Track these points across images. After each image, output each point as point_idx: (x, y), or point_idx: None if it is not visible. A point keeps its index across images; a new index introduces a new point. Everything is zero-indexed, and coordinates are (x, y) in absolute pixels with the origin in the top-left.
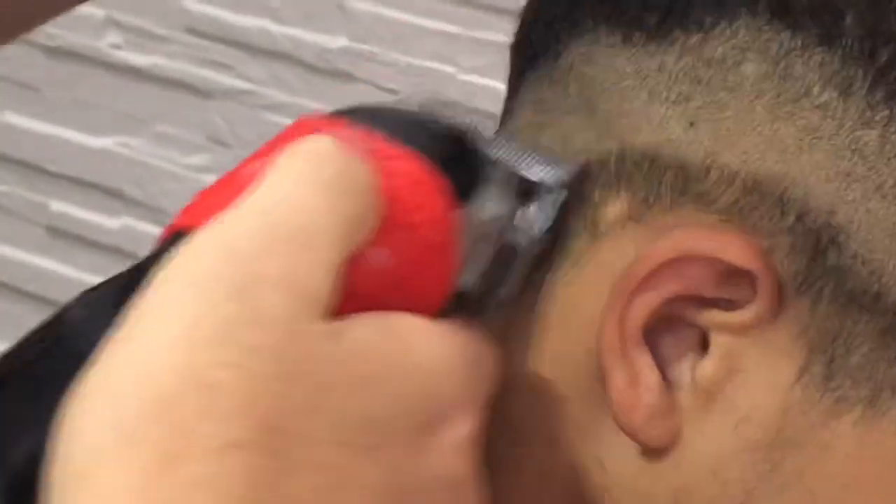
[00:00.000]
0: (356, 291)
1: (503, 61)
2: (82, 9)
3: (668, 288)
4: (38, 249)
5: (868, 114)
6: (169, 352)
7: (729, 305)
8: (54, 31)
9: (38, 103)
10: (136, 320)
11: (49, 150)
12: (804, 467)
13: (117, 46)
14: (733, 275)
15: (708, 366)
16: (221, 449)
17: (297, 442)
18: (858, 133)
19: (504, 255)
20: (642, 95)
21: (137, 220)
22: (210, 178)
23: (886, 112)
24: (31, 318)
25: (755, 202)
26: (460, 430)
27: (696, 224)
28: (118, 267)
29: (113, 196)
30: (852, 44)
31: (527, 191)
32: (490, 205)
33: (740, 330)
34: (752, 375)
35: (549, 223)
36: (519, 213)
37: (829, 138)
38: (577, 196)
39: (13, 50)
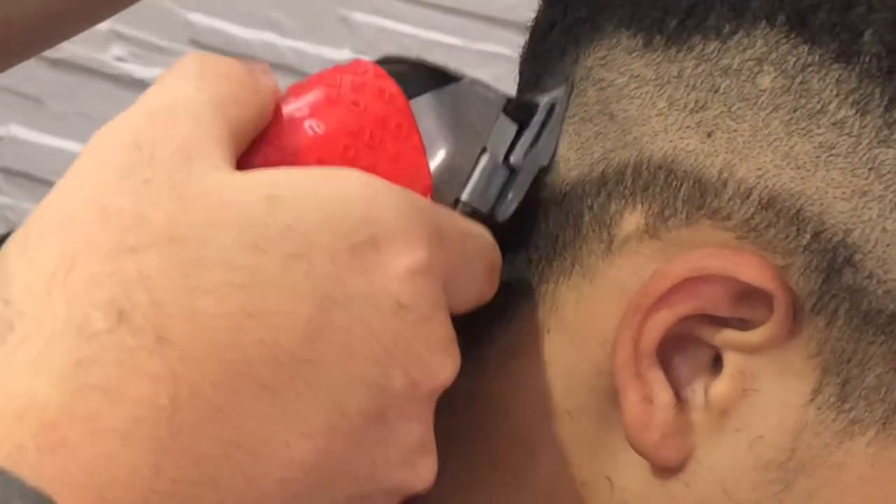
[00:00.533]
0: (293, 164)
1: (505, 72)
2: None
3: (684, 307)
4: None
5: (885, 132)
6: (72, 191)
7: (743, 325)
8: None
9: (43, 115)
10: (55, 185)
11: (53, 162)
12: (816, 489)
13: (121, 59)
14: (749, 294)
15: (721, 385)
16: (120, 252)
17: (199, 245)
18: (875, 151)
19: (504, 177)
20: (660, 103)
21: None
22: None
23: None
24: None
25: (771, 219)
26: (407, 259)
27: (712, 242)
28: None
29: None
30: (870, 61)
31: (525, 115)
32: (482, 126)
33: (755, 350)
34: (765, 395)
35: (545, 143)
36: (519, 134)
37: (845, 156)
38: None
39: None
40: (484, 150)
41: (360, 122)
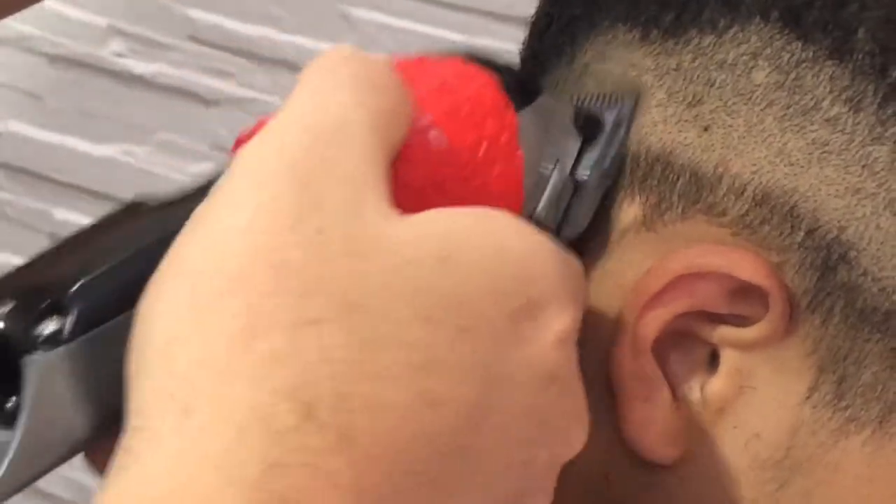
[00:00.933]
0: (423, 183)
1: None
2: (85, 17)
3: (680, 303)
4: None
5: (878, 129)
6: (238, 236)
7: (740, 322)
8: (57, 39)
9: (41, 112)
10: (203, 215)
11: (52, 158)
12: (813, 488)
13: (121, 55)
14: (745, 291)
15: (718, 383)
16: (299, 324)
17: (380, 318)
18: (869, 149)
19: (570, 192)
20: (660, 94)
21: None
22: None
23: None
24: None
25: (765, 215)
26: (559, 324)
27: (707, 238)
28: None
29: (116, 204)
30: (863, 59)
31: (590, 128)
32: (556, 139)
33: (751, 346)
34: (761, 393)
35: (613, 159)
36: (585, 149)
37: (838, 153)
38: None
39: (16, 58)
40: (556, 163)
41: (478, 135)
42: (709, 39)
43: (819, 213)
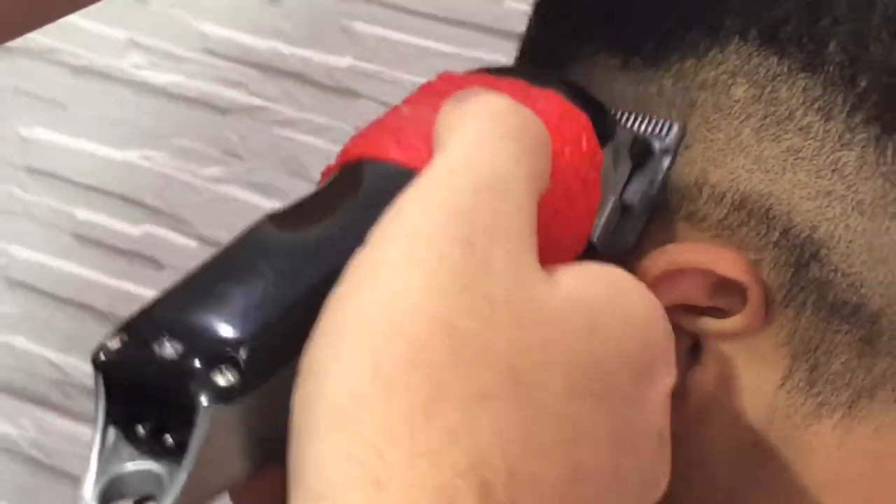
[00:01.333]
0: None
1: None
2: (106, 31)
3: (665, 297)
4: (65, 255)
5: (847, 136)
6: (416, 300)
7: (720, 314)
8: (79, 51)
9: (65, 119)
10: (367, 270)
11: (75, 162)
12: (788, 466)
13: (139, 66)
14: (724, 286)
15: (701, 370)
16: (473, 399)
17: (539, 393)
18: (838, 154)
19: (619, 214)
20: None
21: (157, 227)
22: (225, 189)
23: (864, 135)
24: (57, 318)
25: (742, 219)
26: (667, 383)
27: (689, 239)
28: (140, 270)
29: (135, 205)
30: (834, 70)
31: (641, 154)
32: (610, 161)
33: (731, 336)
34: (740, 380)
35: (659, 186)
36: (634, 174)
37: (810, 159)
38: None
39: (41, 69)
40: (612, 189)
41: (574, 177)
42: (689, 62)
43: (792, 214)
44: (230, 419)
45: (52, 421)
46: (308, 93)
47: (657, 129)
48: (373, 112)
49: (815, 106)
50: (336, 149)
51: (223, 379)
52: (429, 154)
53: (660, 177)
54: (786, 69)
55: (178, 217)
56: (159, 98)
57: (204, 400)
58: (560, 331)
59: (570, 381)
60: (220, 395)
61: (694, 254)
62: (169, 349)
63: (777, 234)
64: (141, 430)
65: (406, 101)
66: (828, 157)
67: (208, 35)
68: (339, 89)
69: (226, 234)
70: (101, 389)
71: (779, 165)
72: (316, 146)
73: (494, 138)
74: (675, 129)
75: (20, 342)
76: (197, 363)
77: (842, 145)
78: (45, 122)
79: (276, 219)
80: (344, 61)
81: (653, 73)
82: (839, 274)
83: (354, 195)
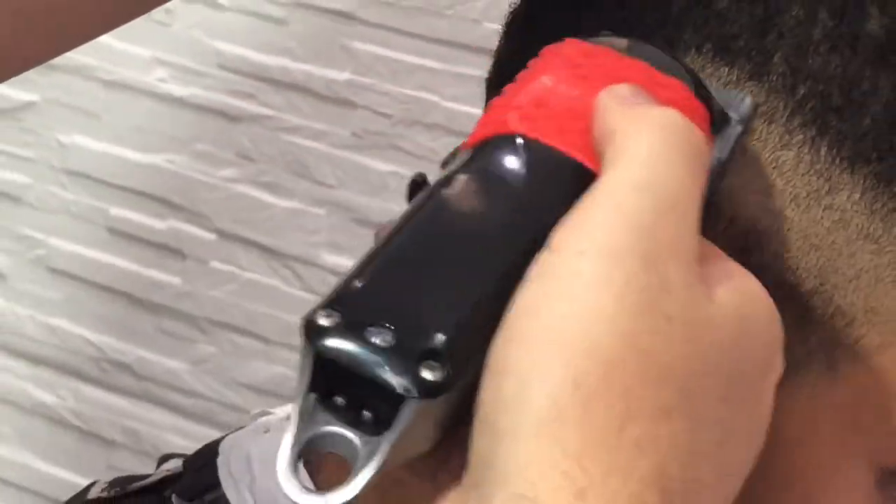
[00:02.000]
0: None
1: (478, 92)
2: (134, 49)
3: None
4: (99, 246)
5: (787, 137)
6: (609, 318)
7: None
8: (111, 67)
9: (99, 127)
10: (553, 281)
11: (108, 165)
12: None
13: (163, 80)
14: None
15: None
16: (657, 414)
17: (700, 402)
18: (778, 153)
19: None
20: None
21: (180, 222)
22: (238, 187)
23: (801, 136)
24: (93, 302)
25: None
26: (779, 373)
27: None
28: (165, 260)
29: (160, 202)
30: (777, 79)
31: (720, 122)
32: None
33: None
34: None
35: (729, 153)
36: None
37: (756, 158)
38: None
39: (78, 83)
40: None
41: None
42: None
43: (738, 207)
44: (430, 410)
45: (89, 392)
46: (310, 103)
47: (733, 101)
48: (368, 120)
49: (760, 111)
50: (335, 152)
51: (430, 374)
52: (586, 145)
53: (732, 144)
54: (735, 78)
55: (198, 212)
56: (181, 108)
57: (411, 393)
58: (717, 342)
59: (721, 388)
60: (427, 391)
61: None
62: (380, 338)
63: (724, 224)
64: (340, 400)
65: (542, 69)
66: (770, 156)
67: (223, 52)
68: (337, 100)
69: (240, 227)
70: (309, 360)
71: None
72: (317, 149)
73: (674, 157)
74: (748, 101)
75: (61, 323)
76: (407, 356)
77: (782, 146)
78: (81, 130)
79: (448, 197)
80: (342, 75)
81: None
82: (779, 259)
83: (519, 176)
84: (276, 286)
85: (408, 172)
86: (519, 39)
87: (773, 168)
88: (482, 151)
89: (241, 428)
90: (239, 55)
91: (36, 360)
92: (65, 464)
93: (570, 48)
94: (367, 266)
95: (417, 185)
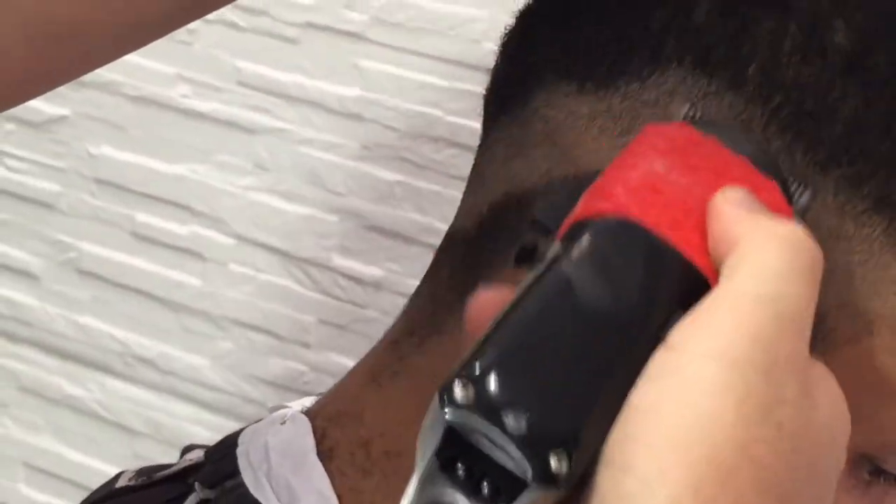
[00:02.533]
0: None
1: (479, 107)
2: (158, 66)
3: None
4: (126, 250)
5: (765, 143)
6: (728, 427)
7: None
8: (137, 83)
9: (126, 139)
10: (686, 386)
11: (135, 174)
12: None
13: (186, 96)
14: None
15: None
16: None
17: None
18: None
19: None
20: (593, 131)
21: (202, 227)
22: (256, 196)
23: (779, 142)
24: (119, 302)
25: None
26: (843, 467)
27: None
28: (187, 263)
29: (183, 209)
30: (753, 89)
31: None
32: None
33: None
34: None
35: None
36: None
37: None
38: None
39: (106, 98)
40: None
41: None
42: (634, 85)
43: None
44: (550, 497)
45: (114, 385)
46: (323, 117)
47: (795, 192)
48: (376, 133)
49: (739, 119)
50: (346, 162)
51: (556, 465)
52: (698, 242)
53: None
54: (714, 88)
55: (217, 218)
56: (202, 121)
57: (536, 481)
58: (816, 449)
59: (815, 489)
60: (552, 481)
61: None
62: (513, 422)
63: None
64: (461, 468)
65: (652, 152)
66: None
67: (242, 70)
68: (348, 114)
69: (257, 232)
70: (440, 428)
71: None
72: (329, 160)
73: (796, 274)
74: (807, 195)
75: (89, 321)
76: (537, 445)
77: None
78: (109, 142)
79: (570, 279)
80: (353, 91)
81: (603, 95)
82: None
83: (635, 265)
84: (290, 287)
85: (413, 182)
86: (513, 58)
87: None
88: (601, 231)
89: (259, 420)
90: (256, 72)
91: (66, 355)
92: (93, 452)
93: (675, 132)
94: (500, 342)
95: (527, 251)
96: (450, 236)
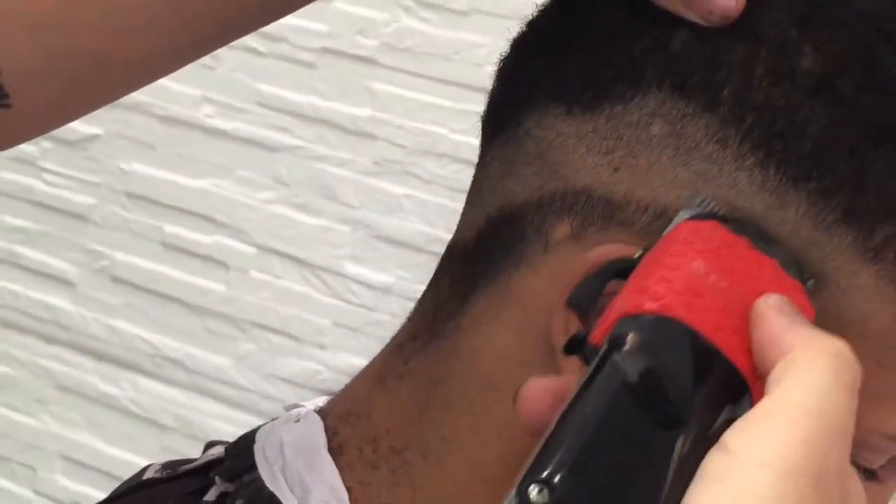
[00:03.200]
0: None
1: (479, 127)
2: (185, 89)
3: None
4: (155, 259)
5: (740, 161)
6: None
7: None
8: (165, 104)
9: (155, 156)
10: (742, 493)
11: (163, 189)
12: None
13: (210, 116)
14: None
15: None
16: None
17: None
18: (734, 174)
19: None
20: (580, 149)
21: (225, 237)
22: (275, 208)
23: (753, 159)
24: (149, 307)
25: (662, 225)
26: None
27: (620, 240)
28: (211, 270)
29: (208, 221)
30: (728, 110)
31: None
32: None
33: None
34: None
35: None
36: None
37: (713, 179)
38: (537, 224)
39: (136, 119)
40: None
41: None
42: (618, 107)
43: None
44: None
45: (145, 383)
46: (337, 135)
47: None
48: (386, 150)
49: (715, 138)
50: (358, 177)
51: None
52: (739, 346)
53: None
54: (691, 110)
55: (239, 229)
56: (225, 140)
57: None
58: None
59: None
60: None
61: (615, 248)
62: None
63: None
64: None
65: (691, 251)
66: (727, 177)
67: (262, 92)
68: (360, 133)
69: (276, 242)
70: None
71: (689, 184)
72: (343, 175)
73: (842, 387)
74: (812, 281)
75: (121, 324)
76: None
77: (736, 168)
78: (139, 159)
79: (624, 383)
80: (364, 112)
81: (589, 117)
82: None
83: (684, 367)
84: (306, 292)
85: (420, 195)
86: (508, 82)
87: (731, 187)
88: (650, 330)
89: (275, 418)
90: (275, 94)
91: (100, 356)
92: (125, 446)
93: (710, 232)
94: (570, 447)
95: (577, 341)
96: (451, 247)
